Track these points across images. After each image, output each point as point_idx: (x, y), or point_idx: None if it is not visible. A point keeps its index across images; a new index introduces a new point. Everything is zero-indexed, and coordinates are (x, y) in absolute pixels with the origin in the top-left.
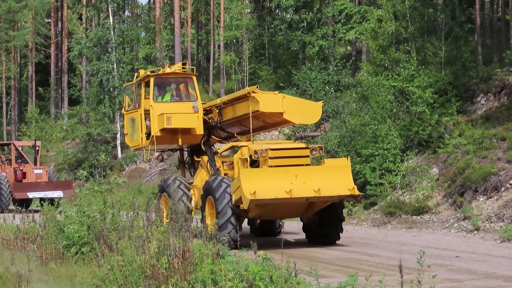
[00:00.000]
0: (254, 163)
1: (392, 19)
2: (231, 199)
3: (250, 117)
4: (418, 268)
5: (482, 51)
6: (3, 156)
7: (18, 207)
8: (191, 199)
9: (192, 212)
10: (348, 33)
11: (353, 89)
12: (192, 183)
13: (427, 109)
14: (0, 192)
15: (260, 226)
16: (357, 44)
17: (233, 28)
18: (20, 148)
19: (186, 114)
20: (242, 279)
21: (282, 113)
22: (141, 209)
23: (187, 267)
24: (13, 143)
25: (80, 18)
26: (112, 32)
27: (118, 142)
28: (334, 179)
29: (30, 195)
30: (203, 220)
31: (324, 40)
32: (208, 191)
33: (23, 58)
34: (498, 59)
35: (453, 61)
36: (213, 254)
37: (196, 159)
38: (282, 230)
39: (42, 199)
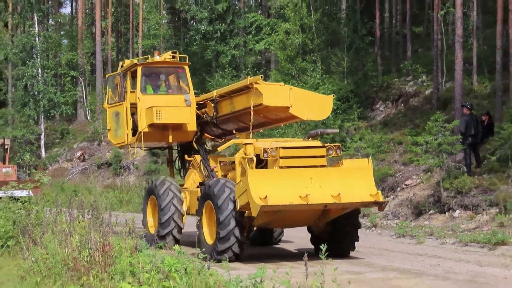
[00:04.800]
0: (260, 164)
1: (299, 32)
2: (235, 207)
3: (251, 111)
4: (321, 261)
5: (381, 62)
6: None
7: None
8: (182, 202)
9: (183, 217)
10: (258, 44)
11: None
12: (182, 185)
13: (330, 115)
14: None
15: (256, 233)
16: (266, 54)
17: (151, 37)
18: None
19: (178, 108)
20: (159, 271)
21: (288, 108)
22: (63, 206)
23: (107, 260)
24: None
25: (6, 26)
26: (37, 39)
27: (42, 142)
28: (354, 183)
29: None
30: (199, 226)
31: (236, 49)
32: (207, 195)
33: None
34: (396, 70)
35: (355, 71)
36: (131, 248)
37: (187, 158)
38: (281, 238)
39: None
